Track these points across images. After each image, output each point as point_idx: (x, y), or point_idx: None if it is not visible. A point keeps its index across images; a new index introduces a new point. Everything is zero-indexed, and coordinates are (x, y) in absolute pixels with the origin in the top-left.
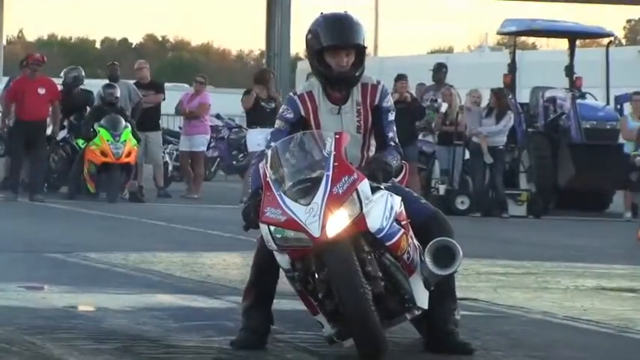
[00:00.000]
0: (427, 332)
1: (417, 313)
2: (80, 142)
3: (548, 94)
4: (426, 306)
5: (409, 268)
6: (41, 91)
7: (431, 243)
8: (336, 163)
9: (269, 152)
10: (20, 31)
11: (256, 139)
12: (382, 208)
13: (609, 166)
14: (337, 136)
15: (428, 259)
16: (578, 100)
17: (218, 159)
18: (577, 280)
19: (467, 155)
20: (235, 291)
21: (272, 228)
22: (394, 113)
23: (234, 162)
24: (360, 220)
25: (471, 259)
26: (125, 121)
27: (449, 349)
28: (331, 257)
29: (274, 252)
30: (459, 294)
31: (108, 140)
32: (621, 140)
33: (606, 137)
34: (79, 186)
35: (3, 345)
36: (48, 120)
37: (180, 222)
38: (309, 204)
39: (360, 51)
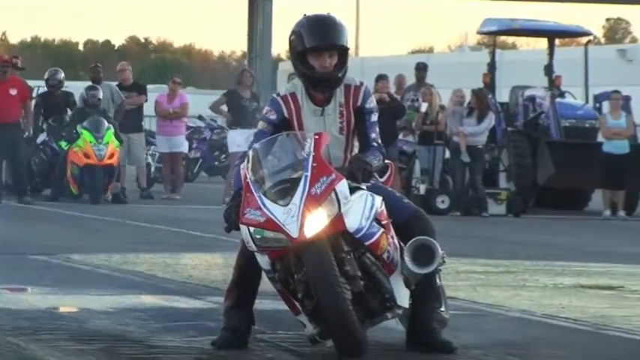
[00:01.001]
0: (409, 330)
1: (398, 312)
2: (63, 144)
3: (527, 93)
4: (406, 305)
5: (389, 267)
6: (12, 92)
7: (410, 242)
8: (314, 164)
9: (250, 153)
10: (3, 34)
11: (236, 139)
12: (361, 208)
13: (588, 164)
14: (317, 137)
15: (407, 258)
16: (558, 99)
17: (200, 160)
18: (555, 279)
19: (447, 154)
20: (217, 291)
21: (252, 229)
22: (377, 114)
23: (217, 163)
24: (338, 220)
25: (450, 258)
26: (108, 122)
27: (430, 347)
28: (309, 257)
29: (255, 253)
30: None
31: (91, 142)
32: (600, 138)
33: (585, 135)
34: (62, 188)
35: None
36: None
37: (163, 223)
38: (287, 205)
39: (343, 52)
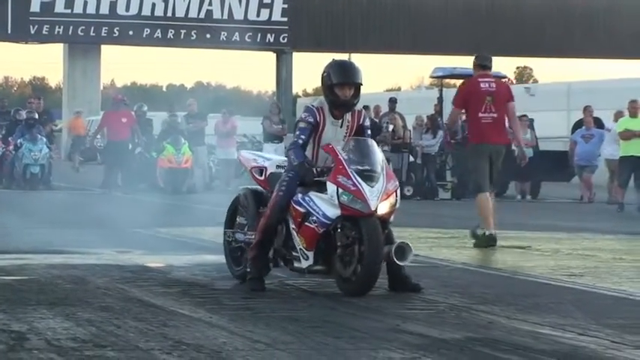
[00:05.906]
0: (390, 278)
1: None
2: (153, 154)
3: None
4: None
5: None
6: (124, 120)
7: (395, 244)
8: (388, 170)
9: (348, 142)
10: (112, 80)
11: (269, 149)
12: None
13: (506, 164)
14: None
15: (392, 254)
16: None
17: None
18: None
19: (411, 159)
20: None
21: (340, 190)
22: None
23: None
24: (392, 211)
25: (413, 228)
26: (184, 139)
27: (405, 287)
28: (370, 224)
29: (325, 203)
30: None
31: (172, 152)
32: (513, 147)
33: None
34: (153, 183)
35: (103, 290)
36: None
37: (221, 206)
38: (373, 187)
39: (358, 87)
